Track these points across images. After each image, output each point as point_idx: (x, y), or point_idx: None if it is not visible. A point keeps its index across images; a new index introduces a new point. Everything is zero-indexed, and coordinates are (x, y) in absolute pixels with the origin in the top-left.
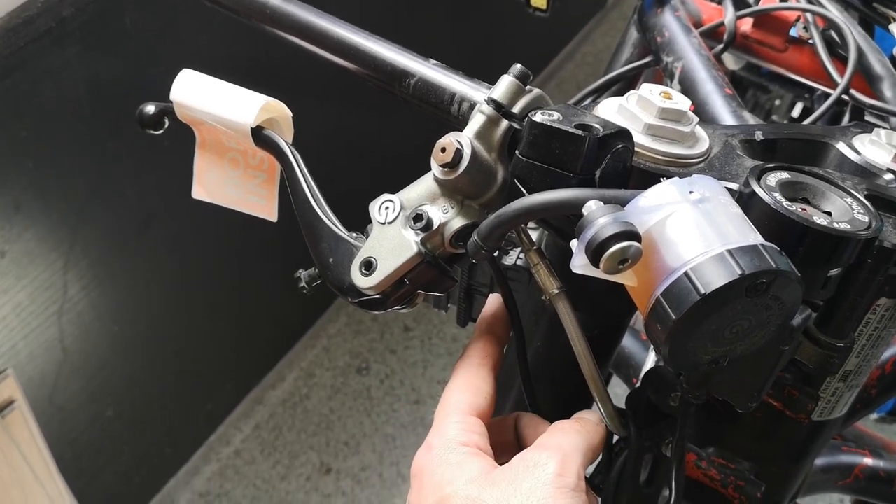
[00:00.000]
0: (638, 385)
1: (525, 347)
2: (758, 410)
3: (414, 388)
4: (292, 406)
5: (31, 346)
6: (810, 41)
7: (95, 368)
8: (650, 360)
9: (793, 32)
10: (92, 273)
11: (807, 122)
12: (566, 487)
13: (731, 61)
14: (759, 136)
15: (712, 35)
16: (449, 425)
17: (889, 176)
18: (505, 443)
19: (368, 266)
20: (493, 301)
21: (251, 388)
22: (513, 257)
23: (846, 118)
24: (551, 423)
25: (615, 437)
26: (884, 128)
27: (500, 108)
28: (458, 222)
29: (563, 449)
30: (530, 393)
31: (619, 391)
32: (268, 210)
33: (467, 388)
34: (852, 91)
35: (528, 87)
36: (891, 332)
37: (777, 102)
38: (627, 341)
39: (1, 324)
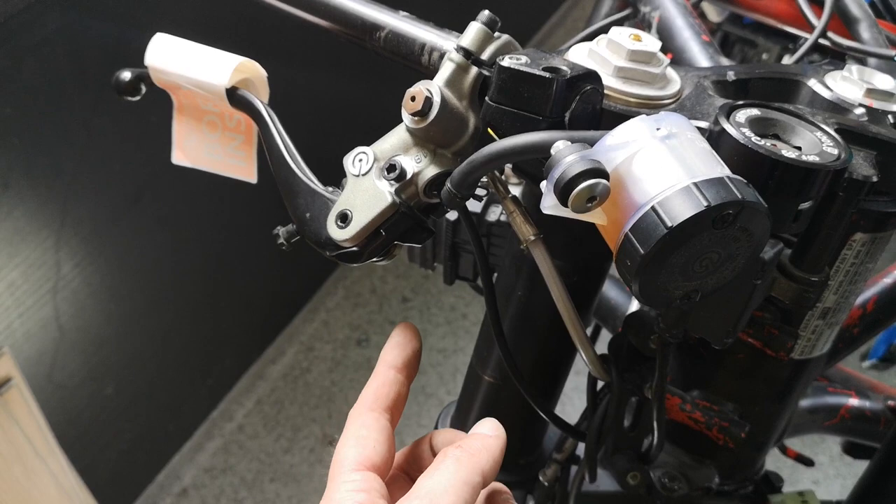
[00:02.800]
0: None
1: (497, 308)
2: (739, 351)
3: None
4: (293, 380)
5: (26, 324)
6: None
7: (93, 346)
8: (633, 309)
9: None
10: (84, 250)
11: (784, 62)
12: None
13: (713, 13)
14: (730, 76)
15: None
16: (338, 486)
17: (860, 110)
18: (425, 468)
19: (344, 218)
20: (397, 330)
21: (252, 363)
22: (496, 213)
23: None
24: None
25: (599, 384)
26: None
27: (469, 56)
28: (431, 171)
29: (432, 494)
30: (507, 354)
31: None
32: (247, 172)
33: (356, 442)
34: (830, 34)
35: (496, 34)
36: (868, 268)
37: (764, 56)
38: (612, 292)
39: None
